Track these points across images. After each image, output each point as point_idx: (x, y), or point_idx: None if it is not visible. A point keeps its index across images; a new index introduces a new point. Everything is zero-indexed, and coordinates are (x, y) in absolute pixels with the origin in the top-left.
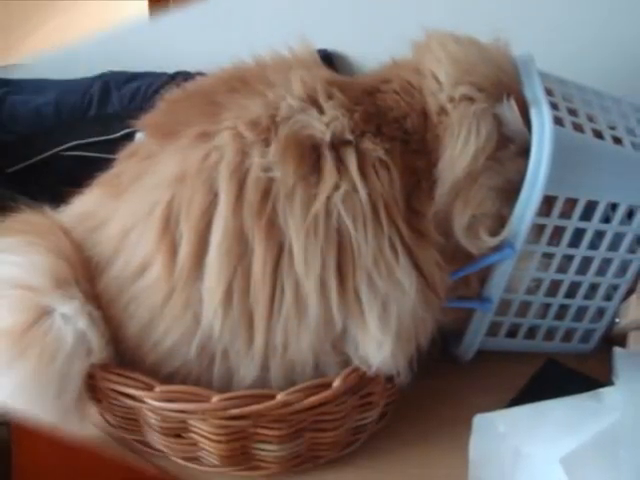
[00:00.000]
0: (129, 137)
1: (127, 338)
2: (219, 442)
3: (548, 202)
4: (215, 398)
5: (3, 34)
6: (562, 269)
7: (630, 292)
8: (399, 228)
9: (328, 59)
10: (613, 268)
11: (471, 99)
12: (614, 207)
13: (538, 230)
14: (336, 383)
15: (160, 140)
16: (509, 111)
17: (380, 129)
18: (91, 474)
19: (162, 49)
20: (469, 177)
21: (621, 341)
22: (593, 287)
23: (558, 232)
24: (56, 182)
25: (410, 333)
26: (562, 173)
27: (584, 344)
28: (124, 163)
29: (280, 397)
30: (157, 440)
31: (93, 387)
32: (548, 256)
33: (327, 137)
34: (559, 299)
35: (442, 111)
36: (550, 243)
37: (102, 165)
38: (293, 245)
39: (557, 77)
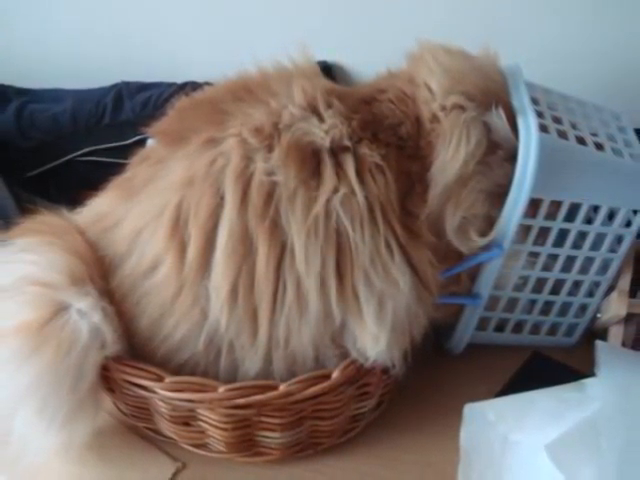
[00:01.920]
0: (141, 143)
1: (139, 332)
2: (225, 430)
3: (534, 204)
4: (221, 388)
5: None
6: (547, 267)
7: (611, 289)
8: (394, 229)
9: (327, 70)
10: (595, 266)
11: (462, 107)
12: (596, 209)
13: (525, 231)
14: (335, 374)
15: (170, 146)
16: (498, 119)
17: (376, 136)
18: None
19: (172, 60)
20: (460, 181)
21: (603, 335)
22: (576, 284)
23: (543, 233)
24: (72, 185)
25: (405, 327)
26: (547, 177)
27: (568, 338)
28: (136, 167)
29: (282, 387)
30: (167, 428)
31: (107, 378)
32: (534, 255)
33: (327, 143)
34: (544, 295)
35: (434, 119)
36: (536, 243)
37: (115, 169)
38: (294, 245)
39: (542, 87)
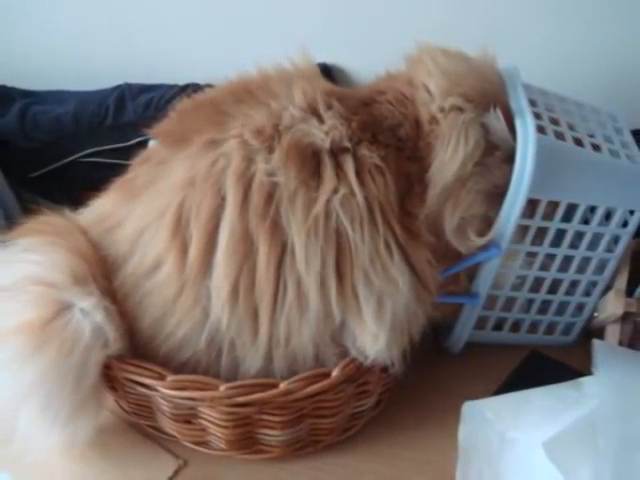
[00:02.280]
0: (143, 144)
1: (141, 331)
2: (226, 427)
3: (531, 205)
4: (223, 387)
5: None
6: (545, 267)
7: (608, 288)
8: (393, 229)
9: (327, 71)
10: (592, 266)
11: (460, 109)
12: (593, 209)
13: (522, 231)
14: (335, 373)
15: (171, 147)
16: (495, 120)
17: (376, 137)
18: None
19: (174, 62)
20: (458, 181)
21: (599, 334)
22: (573, 284)
23: (541, 233)
24: (75, 186)
25: (403, 326)
26: (545, 178)
27: (565, 337)
28: (138, 168)
29: (283, 386)
30: (168, 425)
31: (109, 377)
32: (532, 255)
33: (327, 144)
34: (542, 295)
35: (433, 120)
36: (533, 243)
37: (118, 170)
38: (295, 245)
39: (540, 88)
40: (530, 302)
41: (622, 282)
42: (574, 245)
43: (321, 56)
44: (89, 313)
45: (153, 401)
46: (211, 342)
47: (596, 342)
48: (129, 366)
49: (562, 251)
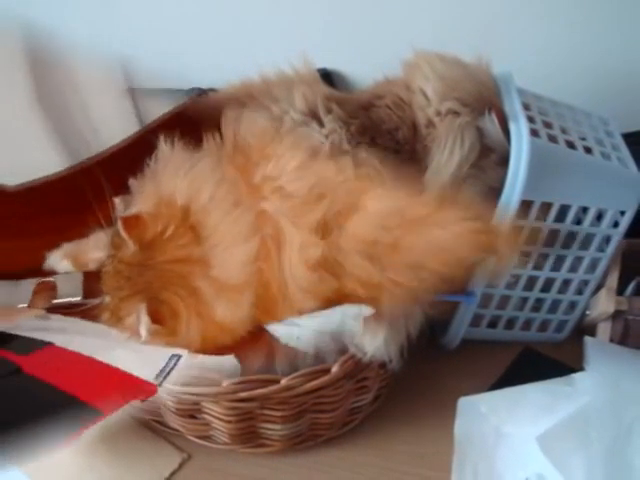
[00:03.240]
0: None
1: None
2: (229, 422)
3: (525, 206)
4: (225, 382)
5: None
6: (538, 266)
7: (599, 287)
8: None
9: (327, 77)
10: (584, 265)
11: (456, 113)
12: (585, 210)
13: None
14: (334, 369)
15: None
16: (490, 124)
17: (374, 140)
18: None
19: (177, 67)
20: (455, 183)
21: (591, 331)
22: (566, 282)
23: (534, 233)
24: None
25: (401, 324)
26: (538, 180)
27: (558, 334)
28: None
29: (284, 382)
30: (173, 420)
31: None
32: (526, 254)
33: (326, 147)
34: (535, 293)
35: (430, 124)
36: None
37: None
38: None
39: (533, 93)
40: (524, 300)
41: (613, 281)
42: (566, 245)
43: (321, 62)
44: None
45: (158, 396)
46: None
47: (588, 339)
48: None
49: (555, 251)
